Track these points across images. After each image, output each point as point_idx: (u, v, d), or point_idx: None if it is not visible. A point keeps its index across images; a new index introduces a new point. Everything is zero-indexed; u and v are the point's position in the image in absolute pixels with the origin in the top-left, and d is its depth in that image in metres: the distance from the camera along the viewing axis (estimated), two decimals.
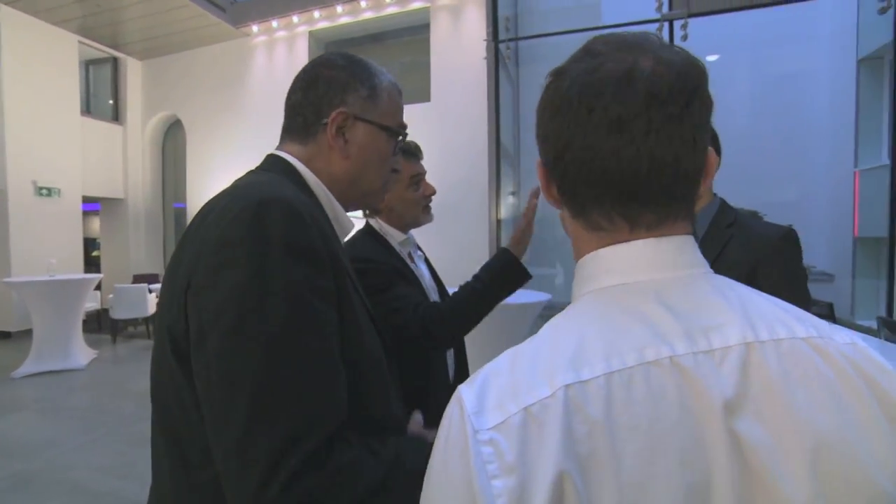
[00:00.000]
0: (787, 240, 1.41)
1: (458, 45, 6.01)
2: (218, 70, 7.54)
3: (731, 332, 0.38)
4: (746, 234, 1.48)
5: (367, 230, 1.30)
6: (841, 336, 0.40)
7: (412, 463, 0.62)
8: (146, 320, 6.59)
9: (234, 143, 7.37)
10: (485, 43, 4.81)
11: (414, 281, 1.24)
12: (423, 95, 6.26)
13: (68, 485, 2.71)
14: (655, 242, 0.42)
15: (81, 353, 5.18)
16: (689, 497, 0.33)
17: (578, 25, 5.38)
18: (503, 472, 0.33)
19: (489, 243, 5.32)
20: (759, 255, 1.47)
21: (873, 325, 4.16)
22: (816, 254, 6.14)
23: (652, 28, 4.48)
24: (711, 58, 6.58)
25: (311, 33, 6.93)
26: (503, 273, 1.17)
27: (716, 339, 0.38)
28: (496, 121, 4.38)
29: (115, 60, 8.01)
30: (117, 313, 6.10)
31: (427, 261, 1.42)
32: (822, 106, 6.47)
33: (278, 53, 7.16)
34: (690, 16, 3.94)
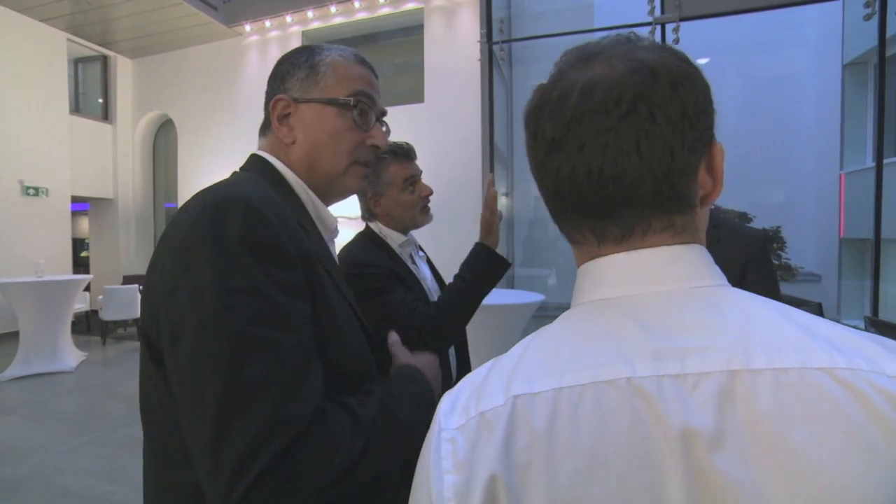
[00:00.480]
0: (768, 241, 1.52)
1: (452, 46, 6.03)
2: (210, 69, 7.48)
3: (714, 356, 0.35)
4: (733, 236, 1.55)
5: (366, 233, 1.29)
6: (890, 365, 0.33)
7: (399, 411, 0.64)
8: (136, 322, 6.52)
9: (226, 143, 7.32)
10: (478, 44, 4.82)
11: (413, 283, 1.23)
12: (417, 96, 6.26)
13: (58, 489, 2.68)
14: (627, 256, 0.41)
15: (70, 356, 5.11)
16: None
17: (572, 27, 5.43)
18: (454, 469, 0.36)
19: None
20: (747, 255, 1.55)
21: (860, 324, 4.23)
22: (804, 255, 6.25)
23: (645, 31, 4.53)
24: (702, 61, 6.64)
25: (304, 33, 6.91)
26: (482, 266, 1.18)
27: (691, 364, 0.35)
28: (490, 122, 4.40)
29: (104, 59, 7.92)
30: (107, 315, 6.03)
31: (429, 261, 1.42)
32: (808, 109, 6.60)
33: (271, 53, 7.12)
34: (682, 20, 3.99)
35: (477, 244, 1.21)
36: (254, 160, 0.75)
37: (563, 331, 0.41)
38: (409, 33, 6.72)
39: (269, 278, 0.55)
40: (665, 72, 0.40)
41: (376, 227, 1.29)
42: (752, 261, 1.56)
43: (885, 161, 3.72)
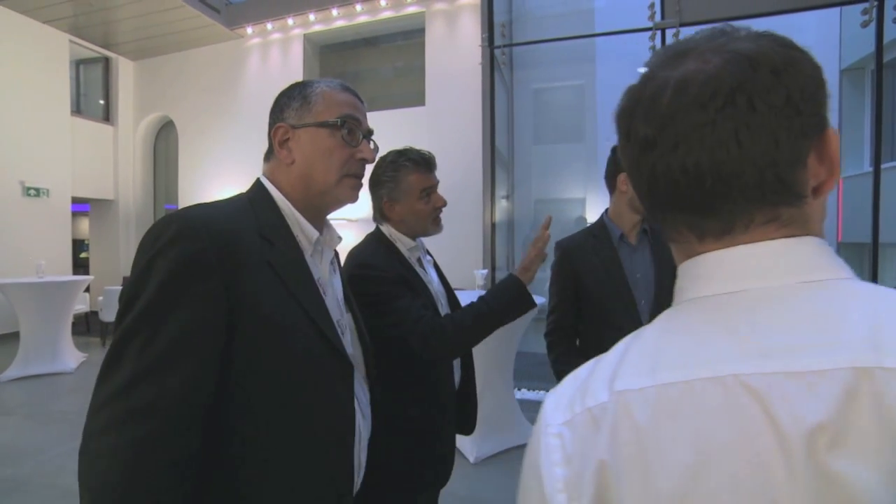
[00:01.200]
0: None
1: (453, 50, 6.06)
2: (211, 72, 7.51)
3: (834, 353, 0.33)
4: None
5: (376, 235, 1.30)
6: None
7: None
8: None
9: (227, 145, 7.34)
10: (479, 48, 4.86)
11: (420, 287, 1.24)
12: (419, 99, 6.29)
13: (59, 490, 2.68)
14: (728, 253, 0.40)
15: (70, 356, 5.11)
16: None
17: (572, 32, 5.47)
18: (563, 462, 0.38)
19: (483, 246, 5.35)
20: None
21: None
22: None
23: (645, 36, 4.57)
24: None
25: (305, 36, 6.94)
26: (510, 299, 1.18)
27: (806, 361, 0.33)
28: (491, 125, 4.42)
29: (106, 60, 7.94)
30: (107, 316, 6.03)
31: (436, 265, 1.42)
32: None
33: (273, 56, 7.15)
34: (682, 25, 4.02)
35: (511, 276, 1.21)
36: (255, 183, 0.87)
37: (664, 329, 0.41)
38: (410, 37, 6.76)
39: (180, 285, 0.67)
40: (765, 60, 0.38)
41: (387, 230, 1.30)
42: None
43: (883, 166, 3.75)
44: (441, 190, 1.35)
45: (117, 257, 7.96)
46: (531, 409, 3.70)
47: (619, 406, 0.37)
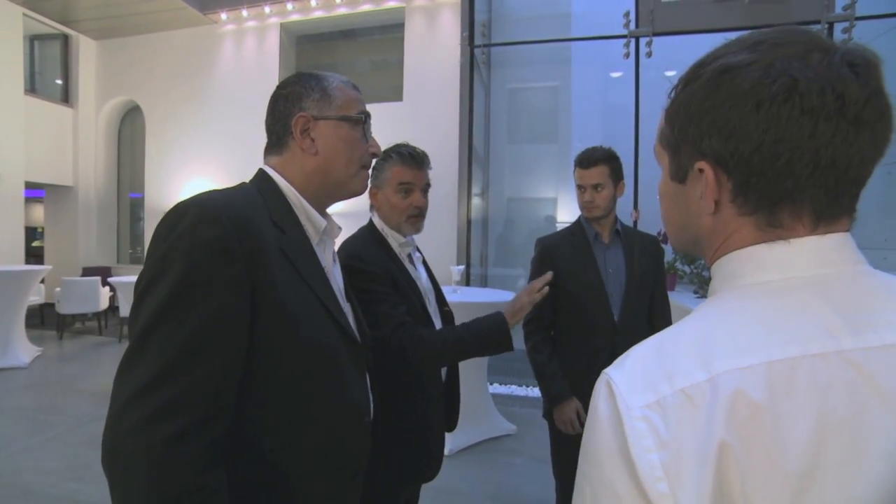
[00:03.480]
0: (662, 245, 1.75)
1: (432, 47, 6.06)
2: (182, 56, 7.24)
3: None
4: (642, 240, 1.73)
5: (370, 228, 1.31)
6: None
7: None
8: (97, 315, 6.25)
9: (198, 133, 7.10)
10: (458, 46, 4.89)
11: (408, 285, 1.25)
12: (396, 94, 6.26)
13: (18, 489, 2.57)
14: (819, 239, 0.42)
15: (23, 351, 4.87)
16: (870, 490, 0.33)
17: (550, 35, 5.57)
18: (658, 447, 0.36)
19: (458, 243, 5.40)
20: (656, 257, 1.75)
21: None
22: None
23: (619, 43, 4.71)
24: (670, 73, 6.95)
25: (282, 25, 6.79)
26: (493, 337, 1.19)
27: (889, 335, 0.37)
28: (469, 124, 4.47)
29: (65, 38, 7.53)
30: (65, 308, 5.76)
31: (425, 262, 1.44)
32: None
33: (248, 44, 6.96)
34: (655, 34, 4.17)
35: (500, 315, 1.22)
36: (258, 173, 0.87)
37: (746, 308, 0.41)
38: (389, 31, 6.71)
39: (207, 270, 0.66)
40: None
41: (378, 223, 1.31)
42: (659, 265, 1.76)
43: None
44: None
45: (76, 247, 7.58)
46: (503, 403, 3.81)
47: (729, 384, 0.36)
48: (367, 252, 1.22)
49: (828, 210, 0.42)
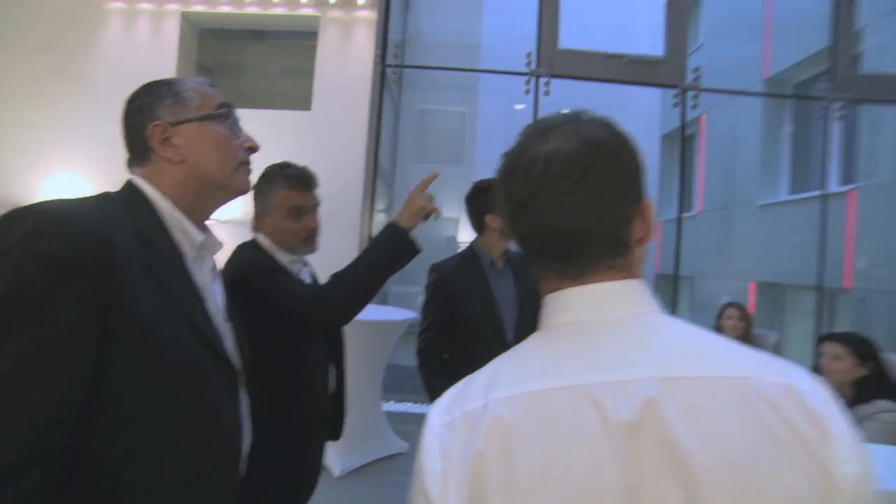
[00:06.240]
0: None
1: (345, 60, 6.07)
2: (52, 28, 6.38)
3: (647, 367, 0.44)
4: (529, 266, 1.93)
5: (251, 244, 1.26)
6: (777, 377, 0.43)
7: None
8: None
9: (71, 118, 6.26)
10: (371, 63, 4.97)
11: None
12: (304, 103, 6.14)
13: None
14: (581, 290, 0.50)
15: None
16: (589, 498, 0.40)
17: (460, 63, 5.89)
18: (441, 458, 0.45)
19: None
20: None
21: None
22: None
23: (522, 79, 5.14)
24: (564, 111, 7.73)
25: (183, 14, 6.32)
26: (396, 246, 1.16)
27: (629, 372, 0.44)
28: (376, 141, 4.55)
29: None
30: None
31: (314, 277, 1.42)
32: None
33: (140, 29, 6.35)
34: (552, 76, 4.63)
35: (392, 224, 1.19)
36: (125, 185, 0.80)
37: (531, 348, 0.51)
38: (302, 37, 6.59)
39: (44, 287, 0.59)
40: (606, 144, 0.50)
41: (263, 240, 1.27)
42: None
43: (684, 215, 4.75)
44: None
45: None
46: (399, 422, 3.75)
47: (495, 408, 0.45)
48: (244, 264, 1.19)
49: (564, 268, 0.51)
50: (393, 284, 5.99)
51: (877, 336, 4.76)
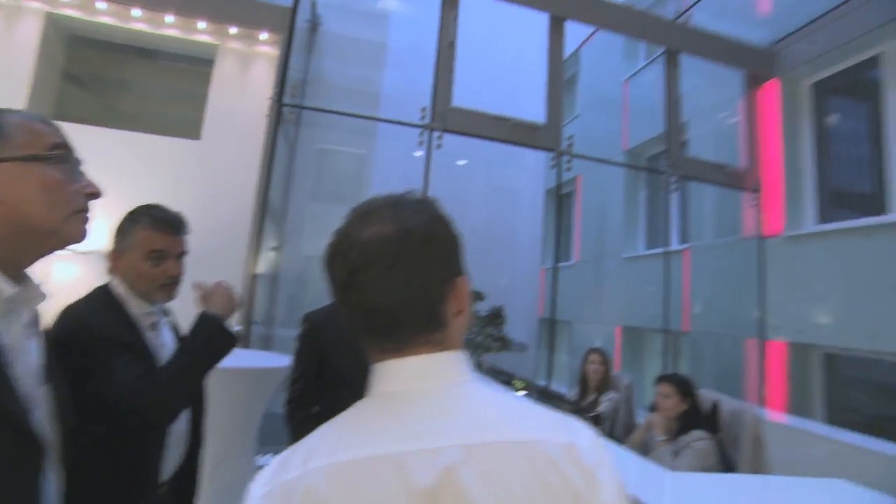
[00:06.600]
0: None
1: (242, 93, 5.93)
2: None
3: (450, 435, 0.48)
4: None
5: (103, 290, 1.17)
6: (562, 437, 0.50)
7: None
8: None
9: None
10: (269, 101, 4.93)
11: (145, 355, 1.13)
12: (194, 131, 5.84)
13: None
14: (399, 362, 0.55)
15: None
16: None
17: (360, 108, 6.06)
18: None
19: (242, 294, 5.11)
20: None
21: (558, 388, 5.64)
22: (518, 328, 8.02)
23: (416, 131, 5.42)
24: (461, 162, 8.23)
25: (49, 15, 5.69)
26: (212, 339, 1.11)
27: (435, 440, 0.47)
28: (267, 179, 4.47)
29: None
30: None
31: (175, 327, 1.33)
32: (526, 217, 8.85)
33: None
34: (445, 130, 4.96)
35: (204, 315, 1.13)
36: None
37: (350, 417, 0.55)
38: (197, 63, 6.32)
39: None
40: (418, 231, 0.55)
41: (117, 286, 1.18)
42: None
43: (560, 265, 5.28)
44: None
45: None
46: None
47: (308, 478, 0.47)
48: (94, 317, 1.09)
49: (384, 342, 0.56)
50: (280, 328, 5.72)
51: (705, 370, 5.64)
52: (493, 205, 8.52)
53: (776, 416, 4.21)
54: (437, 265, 0.56)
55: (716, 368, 5.47)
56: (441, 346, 0.56)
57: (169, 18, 5.75)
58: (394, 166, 6.70)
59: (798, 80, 5.18)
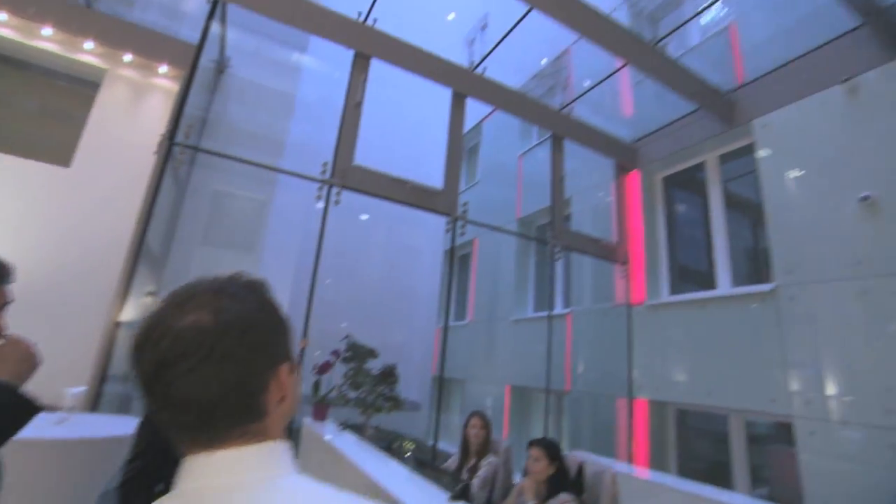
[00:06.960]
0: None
1: (130, 125, 5.53)
2: None
3: None
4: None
5: None
6: None
7: None
8: None
9: None
10: (159, 137, 4.65)
11: None
12: (64, 157, 5.25)
13: None
14: (207, 457, 0.51)
15: None
16: None
17: (261, 156, 5.92)
18: None
19: (97, 353, 4.49)
20: None
21: (448, 448, 5.56)
22: (411, 387, 7.93)
23: (315, 185, 5.41)
24: (364, 216, 8.30)
25: None
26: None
27: None
28: (147, 221, 4.12)
29: None
30: None
31: None
32: (424, 276, 9.02)
33: None
34: (344, 187, 5.01)
35: None
36: None
37: None
38: (79, 83, 5.80)
39: None
40: (237, 322, 0.52)
41: None
42: None
43: (454, 324, 5.42)
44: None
45: None
46: None
47: None
48: None
49: (194, 437, 0.53)
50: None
51: (584, 428, 6.02)
52: (392, 261, 8.60)
53: (639, 470, 4.59)
54: (259, 355, 0.54)
55: (594, 425, 5.86)
56: (258, 437, 0.53)
57: (46, 31, 5.28)
58: (294, 214, 6.55)
59: (653, 173, 6.18)
